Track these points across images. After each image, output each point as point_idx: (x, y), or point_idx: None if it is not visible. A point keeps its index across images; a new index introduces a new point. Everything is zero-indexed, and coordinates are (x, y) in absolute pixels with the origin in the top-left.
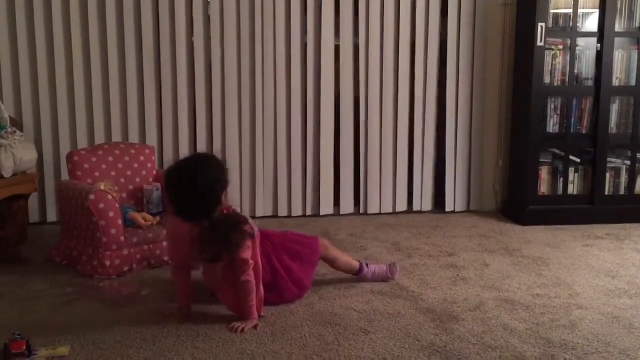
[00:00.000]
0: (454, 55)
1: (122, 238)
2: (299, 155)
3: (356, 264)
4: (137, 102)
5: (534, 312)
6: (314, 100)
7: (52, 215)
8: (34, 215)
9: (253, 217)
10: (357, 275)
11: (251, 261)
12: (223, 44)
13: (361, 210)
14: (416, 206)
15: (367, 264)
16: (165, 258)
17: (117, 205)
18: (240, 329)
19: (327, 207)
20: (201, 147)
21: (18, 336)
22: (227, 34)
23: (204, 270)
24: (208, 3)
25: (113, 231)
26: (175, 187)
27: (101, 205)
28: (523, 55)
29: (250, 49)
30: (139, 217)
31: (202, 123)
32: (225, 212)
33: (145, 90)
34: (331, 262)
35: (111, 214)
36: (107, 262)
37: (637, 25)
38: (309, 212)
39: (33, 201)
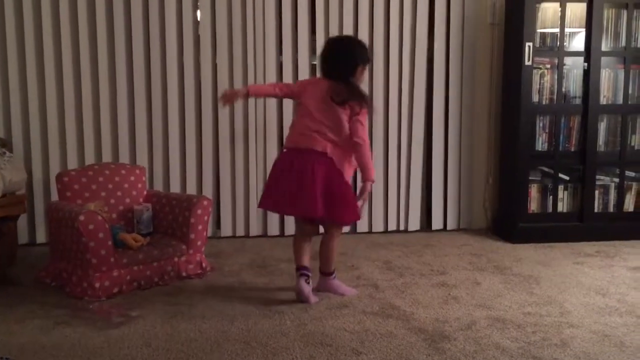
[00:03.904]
0: (443, 74)
1: (112, 259)
2: None
3: (332, 268)
4: (128, 123)
5: (525, 331)
6: None
7: (41, 236)
8: (23, 236)
9: (247, 236)
10: (325, 277)
11: (366, 124)
12: (214, 63)
13: (352, 230)
14: (407, 225)
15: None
16: (156, 279)
17: (107, 226)
18: (364, 199)
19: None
20: (191, 167)
21: None
22: (219, 53)
23: (320, 116)
24: (198, 23)
25: (103, 252)
26: (332, 49)
27: (91, 227)
28: (511, 74)
29: (243, 68)
30: (129, 238)
31: (192, 143)
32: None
33: (135, 111)
34: (328, 242)
35: (101, 235)
36: (97, 284)
37: (623, 44)
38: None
39: (22, 222)
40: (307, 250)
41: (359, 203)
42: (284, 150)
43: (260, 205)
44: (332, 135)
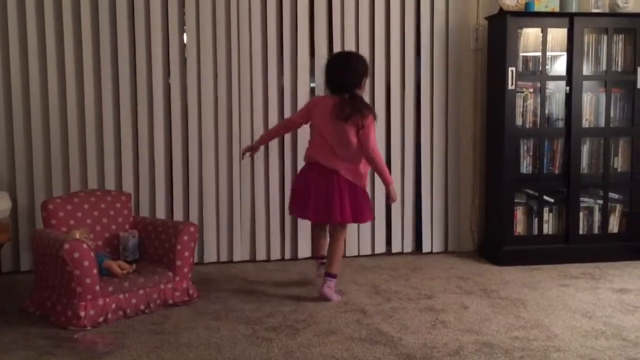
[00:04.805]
0: (428, 99)
1: (97, 288)
2: (277, 198)
3: (336, 271)
4: (114, 149)
5: (513, 356)
6: (292, 143)
7: (25, 264)
8: (6, 264)
9: (231, 261)
10: (326, 276)
11: (374, 132)
12: (200, 86)
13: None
14: (395, 248)
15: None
16: (142, 307)
17: (92, 254)
18: (393, 199)
19: (305, 250)
20: (178, 192)
21: None
22: (203, 76)
23: (330, 133)
24: (185, 45)
25: (88, 281)
26: (334, 65)
27: (76, 255)
28: (495, 98)
29: (227, 91)
30: (114, 265)
31: (179, 169)
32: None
33: (122, 137)
34: (335, 242)
35: (86, 263)
36: (82, 313)
37: (604, 68)
38: (287, 256)
39: (6, 249)
40: (340, 254)
41: (392, 201)
42: (305, 163)
43: (290, 212)
44: (342, 151)
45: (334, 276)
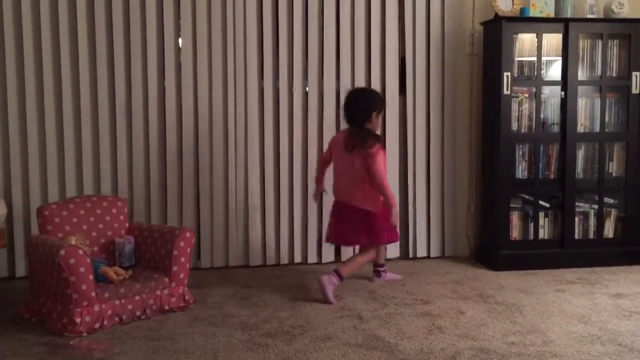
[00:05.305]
0: (424, 104)
1: (93, 294)
2: (272, 203)
3: (345, 275)
4: (110, 154)
5: None
6: (288, 148)
7: (21, 269)
8: (2, 270)
9: (226, 267)
10: (334, 271)
11: (380, 160)
12: (195, 90)
13: (336, 259)
14: (391, 253)
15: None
16: (138, 313)
17: (88, 260)
18: (393, 223)
19: (300, 256)
20: (173, 198)
21: None
22: (199, 81)
23: (343, 165)
24: (180, 50)
25: (84, 287)
26: (347, 100)
27: (72, 261)
28: (491, 103)
29: (223, 95)
30: (110, 271)
31: (174, 174)
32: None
33: (117, 143)
34: (360, 253)
35: (82, 269)
36: (78, 319)
37: (599, 73)
38: (283, 261)
39: (2, 255)
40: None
41: (392, 225)
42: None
43: (326, 240)
44: (354, 181)
45: (341, 278)
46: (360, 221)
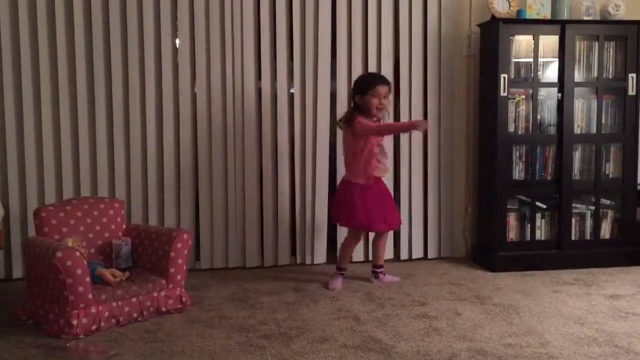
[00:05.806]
0: (421, 105)
1: (90, 296)
2: (270, 204)
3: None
4: (107, 156)
5: None
6: (289, 147)
7: (18, 271)
8: None
9: (226, 268)
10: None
11: (365, 121)
12: (192, 92)
13: (333, 260)
14: (388, 254)
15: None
16: (135, 315)
17: (85, 262)
18: (424, 126)
19: (299, 257)
20: (171, 199)
21: None
22: (197, 81)
23: (346, 144)
24: (177, 50)
25: (81, 289)
26: None
27: (69, 263)
28: (487, 105)
29: (222, 96)
30: (107, 273)
31: (172, 176)
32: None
33: (115, 144)
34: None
35: (79, 271)
36: (75, 322)
37: (595, 75)
38: (281, 262)
39: None
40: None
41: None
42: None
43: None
44: (353, 157)
45: (341, 272)
46: (352, 201)
